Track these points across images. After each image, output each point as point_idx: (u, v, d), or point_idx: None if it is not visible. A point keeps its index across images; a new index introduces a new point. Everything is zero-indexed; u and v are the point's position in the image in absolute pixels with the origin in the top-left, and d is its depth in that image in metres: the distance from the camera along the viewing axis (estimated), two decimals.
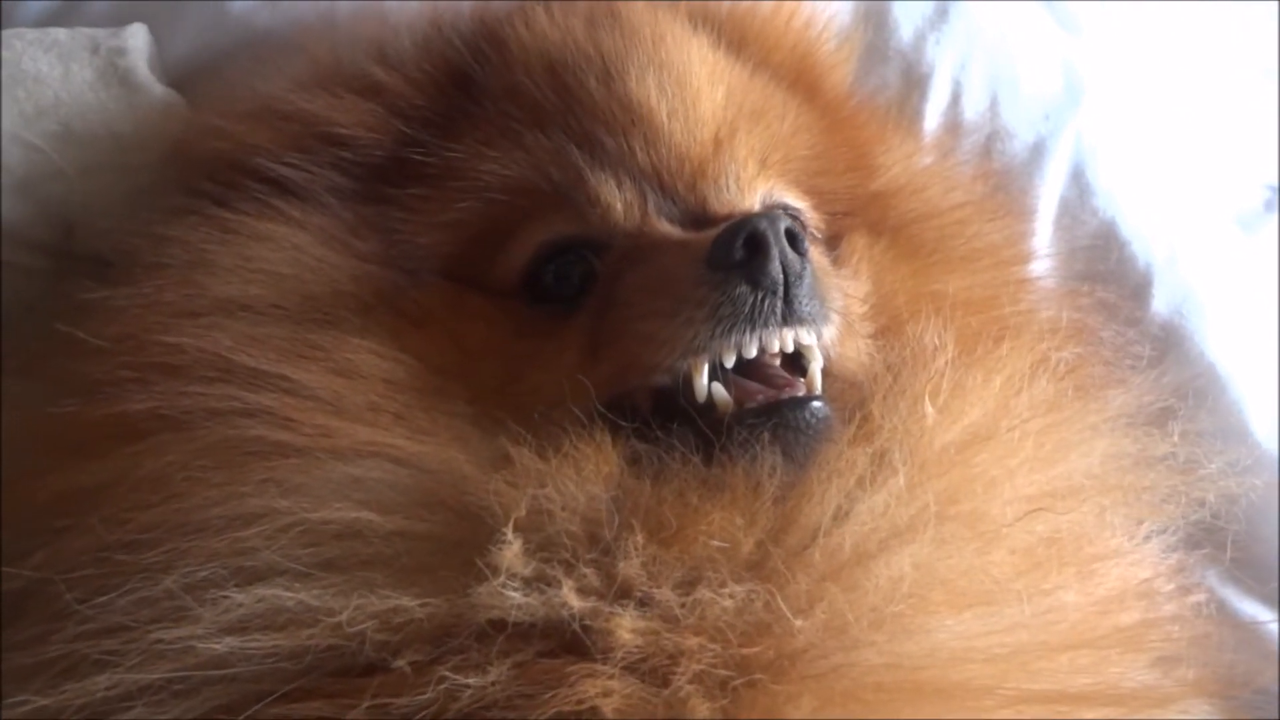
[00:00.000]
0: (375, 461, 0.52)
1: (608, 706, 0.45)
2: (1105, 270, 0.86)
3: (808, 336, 0.56)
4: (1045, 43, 0.93)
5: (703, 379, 0.55)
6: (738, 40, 0.71)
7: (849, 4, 0.87)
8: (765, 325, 0.54)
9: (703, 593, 0.48)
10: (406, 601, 0.47)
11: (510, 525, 0.49)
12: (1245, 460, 0.80)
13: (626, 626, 0.47)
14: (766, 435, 0.52)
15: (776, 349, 0.55)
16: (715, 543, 0.49)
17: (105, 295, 0.61)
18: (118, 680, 0.48)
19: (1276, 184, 1.15)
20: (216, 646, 0.47)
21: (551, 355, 0.58)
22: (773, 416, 0.53)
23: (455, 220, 0.62)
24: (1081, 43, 0.98)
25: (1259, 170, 1.15)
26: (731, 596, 0.48)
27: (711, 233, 0.56)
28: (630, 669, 0.47)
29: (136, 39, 0.71)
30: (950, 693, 0.48)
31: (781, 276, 0.54)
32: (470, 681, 0.45)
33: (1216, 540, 0.79)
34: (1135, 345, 0.73)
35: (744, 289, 0.54)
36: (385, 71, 0.66)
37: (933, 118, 0.87)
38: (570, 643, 0.48)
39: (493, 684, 0.46)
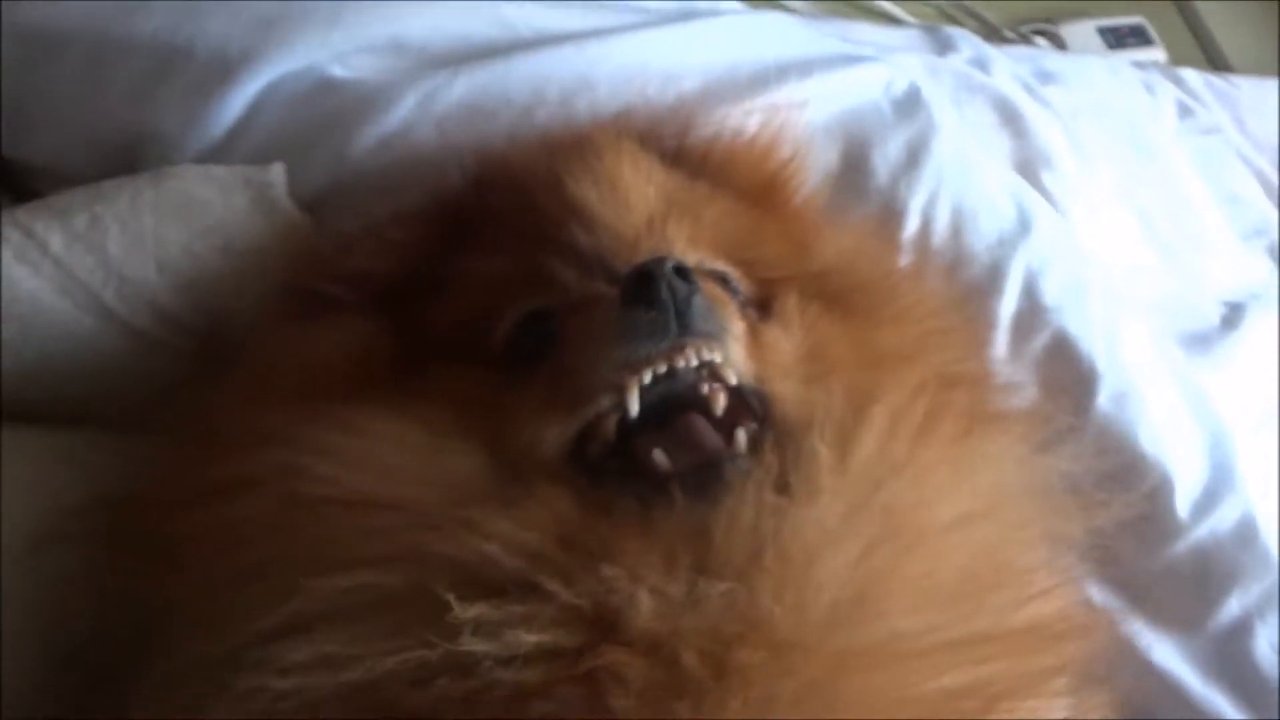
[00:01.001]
0: (388, 514, 0.64)
1: (628, 675, 0.56)
2: (1059, 372, 1.01)
3: (709, 352, 0.68)
4: (1001, 182, 1.11)
5: (634, 397, 0.67)
6: (698, 163, 0.88)
7: (833, 151, 1.06)
8: (664, 338, 0.66)
9: (683, 591, 0.59)
10: (416, 650, 0.57)
11: (454, 579, 0.57)
12: (1169, 533, 0.96)
13: (640, 617, 0.58)
14: (693, 485, 0.64)
15: (682, 364, 0.67)
16: (652, 565, 0.59)
17: (213, 377, 0.80)
18: (226, 716, 0.59)
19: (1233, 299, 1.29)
20: (292, 684, 0.58)
21: (525, 400, 0.71)
22: (698, 471, 0.65)
23: (455, 314, 0.78)
24: (1043, 176, 1.17)
25: (1214, 289, 1.30)
26: (715, 592, 0.59)
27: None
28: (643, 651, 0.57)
29: (279, 175, 0.91)
30: (892, 681, 0.59)
31: (670, 298, 0.67)
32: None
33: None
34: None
35: (641, 310, 0.67)
36: (399, 230, 0.84)
37: (906, 243, 1.04)
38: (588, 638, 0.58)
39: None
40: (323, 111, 0.97)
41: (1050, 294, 1.04)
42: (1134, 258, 1.29)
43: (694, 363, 0.68)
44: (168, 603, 0.66)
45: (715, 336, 0.69)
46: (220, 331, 0.85)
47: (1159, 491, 0.97)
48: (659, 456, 0.66)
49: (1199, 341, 1.20)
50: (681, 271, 0.68)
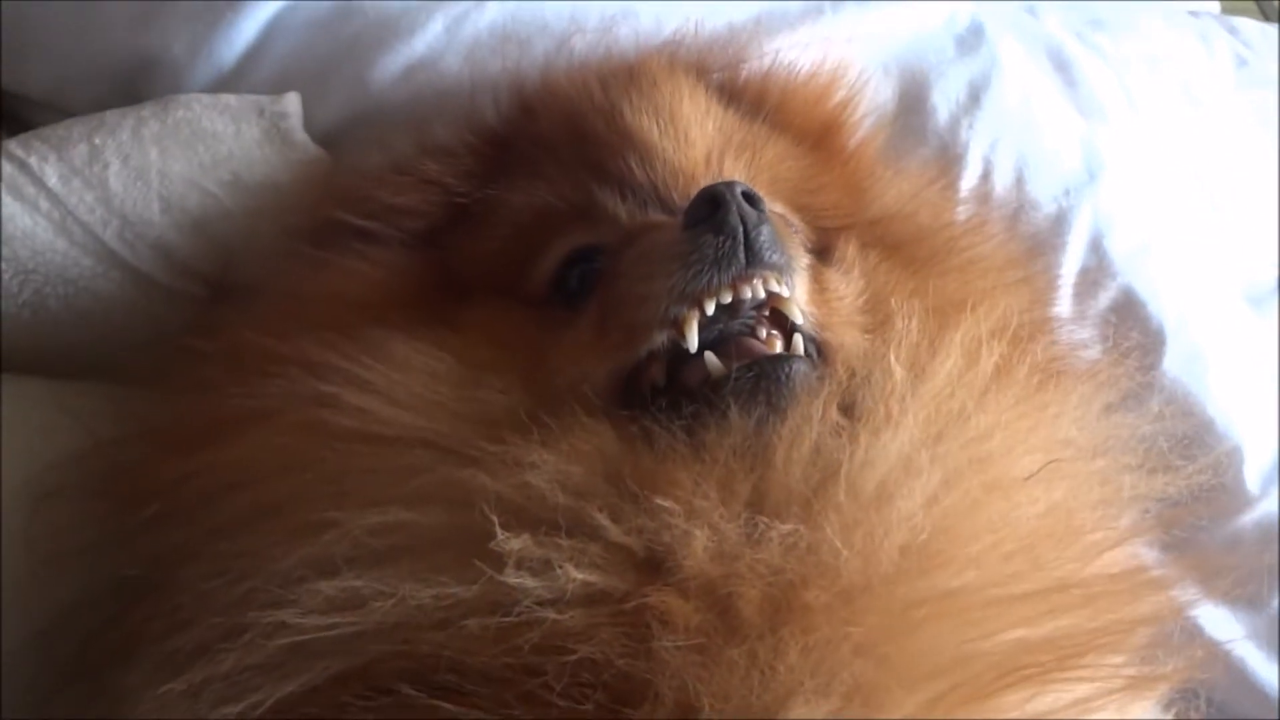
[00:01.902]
0: (420, 451, 0.60)
1: (675, 617, 0.52)
2: (1125, 331, 0.93)
3: (776, 284, 0.64)
4: (1067, 126, 1.04)
5: (693, 331, 0.62)
6: (755, 99, 0.83)
7: (890, 90, 0.98)
8: (730, 267, 0.62)
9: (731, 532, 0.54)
10: (451, 588, 0.54)
11: (495, 513, 0.54)
12: (1237, 505, 0.91)
13: (696, 552, 0.54)
14: (749, 386, 0.60)
15: (748, 295, 0.63)
16: (706, 497, 0.55)
17: (222, 313, 0.75)
18: (238, 662, 0.55)
19: None
20: (313, 622, 0.54)
21: (569, 338, 0.67)
22: (754, 369, 0.61)
23: (495, 248, 0.74)
24: (1099, 127, 1.09)
25: (1271, 249, 1.22)
26: (776, 534, 0.54)
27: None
28: (694, 594, 0.53)
29: (294, 105, 0.84)
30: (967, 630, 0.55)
31: (740, 224, 0.63)
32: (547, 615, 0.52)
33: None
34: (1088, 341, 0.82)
35: (709, 237, 0.63)
36: (433, 162, 0.78)
37: (965, 190, 0.97)
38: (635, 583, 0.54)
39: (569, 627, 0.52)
40: (342, 37, 0.90)
41: (1118, 249, 0.98)
42: (1187, 214, 1.22)
43: (760, 294, 0.63)
44: (174, 548, 0.62)
45: (783, 269, 0.64)
46: (231, 276, 0.79)
47: (1228, 461, 0.91)
48: (711, 359, 0.62)
49: (1253, 305, 1.13)
50: (750, 198, 0.64)
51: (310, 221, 0.78)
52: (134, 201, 0.77)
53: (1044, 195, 0.99)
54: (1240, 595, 0.88)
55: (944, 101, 1.00)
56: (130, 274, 0.78)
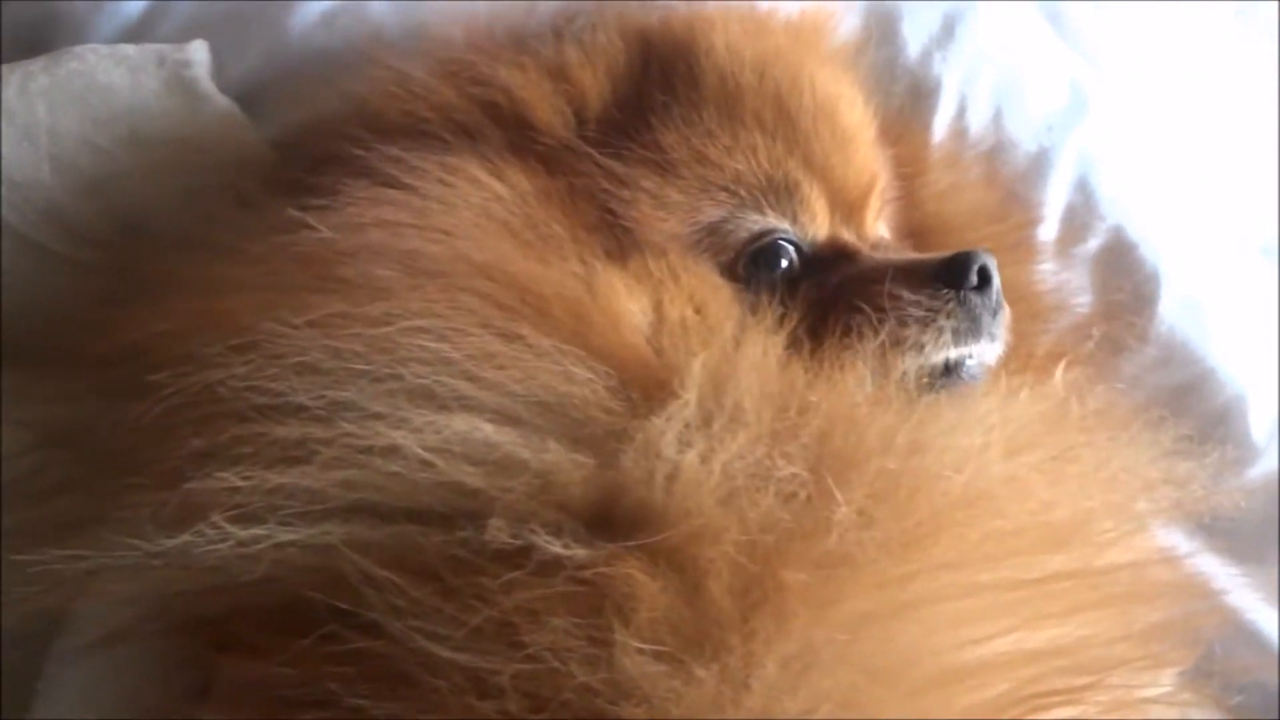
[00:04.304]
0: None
1: (638, 599, 0.48)
2: (1118, 274, 0.90)
3: (990, 357, 0.70)
4: (1051, 60, 0.97)
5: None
6: None
7: (857, 18, 0.92)
8: (981, 338, 0.68)
9: None
10: (566, 460, 0.51)
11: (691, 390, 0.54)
12: (1241, 458, 0.85)
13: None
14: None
15: (990, 359, 0.70)
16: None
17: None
18: (300, 478, 0.50)
19: None
20: (420, 453, 0.50)
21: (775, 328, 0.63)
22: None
23: (680, 201, 0.69)
24: (1088, 61, 1.03)
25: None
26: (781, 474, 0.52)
27: (938, 256, 0.69)
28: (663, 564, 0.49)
29: (199, 53, 0.78)
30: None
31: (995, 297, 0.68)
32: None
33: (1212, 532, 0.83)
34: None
35: (978, 305, 0.68)
36: (577, 55, 0.72)
37: (940, 129, 0.91)
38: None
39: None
40: None
41: (1106, 190, 0.91)
42: (1184, 161, 1.15)
43: (991, 361, 0.70)
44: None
45: (995, 339, 0.70)
46: (134, 240, 0.72)
47: (1231, 410, 0.86)
48: None
49: (1266, 255, 1.06)
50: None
51: (387, 123, 0.68)
52: (21, 164, 0.71)
53: (1024, 132, 0.92)
54: (1249, 551, 0.83)
55: (915, 33, 0.94)
56: (18, 242, 0.71)
